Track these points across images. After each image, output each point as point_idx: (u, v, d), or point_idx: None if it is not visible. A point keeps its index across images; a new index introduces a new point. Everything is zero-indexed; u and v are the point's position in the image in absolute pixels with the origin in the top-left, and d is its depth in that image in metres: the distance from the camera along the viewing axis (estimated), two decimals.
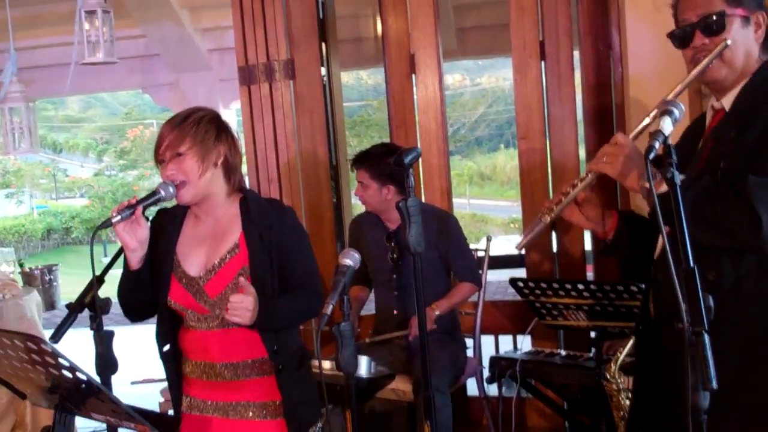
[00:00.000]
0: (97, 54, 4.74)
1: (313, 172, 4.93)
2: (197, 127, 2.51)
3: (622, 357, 3.14)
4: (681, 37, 2.21)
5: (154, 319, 2.65)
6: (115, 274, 2.47)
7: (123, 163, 32.72)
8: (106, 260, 2.52)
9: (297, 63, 4.87)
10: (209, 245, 2.58)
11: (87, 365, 2.01)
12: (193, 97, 8.71)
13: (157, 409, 4.55)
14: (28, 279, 12.58)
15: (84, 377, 1.94)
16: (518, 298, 3.55)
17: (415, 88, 4.75)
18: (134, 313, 2.66)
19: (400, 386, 3.81)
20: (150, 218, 2.56)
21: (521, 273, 4.50)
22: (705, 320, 1.66)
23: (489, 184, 33.81)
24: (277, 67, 4.82)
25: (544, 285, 3.37)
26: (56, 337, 2.29)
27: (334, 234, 4.96)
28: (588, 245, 4.52)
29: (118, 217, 2.39)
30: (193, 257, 2.59)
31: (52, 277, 13.51)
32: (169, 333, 2.64)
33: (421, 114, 4.73)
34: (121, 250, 2.51)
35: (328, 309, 2.22)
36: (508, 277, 3.53)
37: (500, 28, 6.18)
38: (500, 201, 30.82)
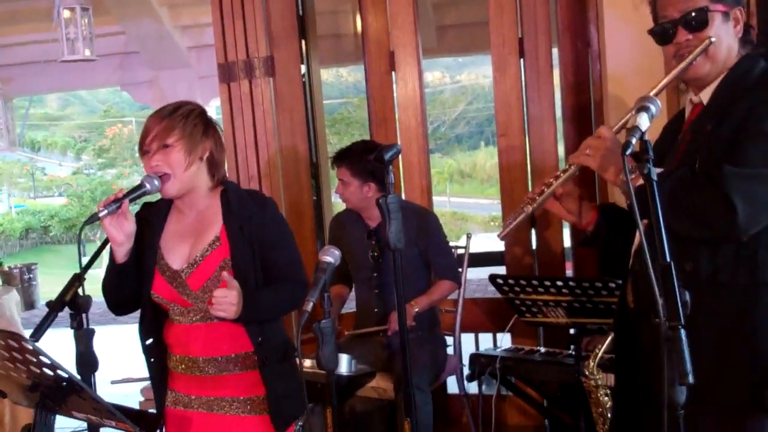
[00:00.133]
0: (76, 51, 4.71)
1: (294, 169, 4.92)
2: (186, 120, 2.52)
3: (600, 353, 3.16)
4: (663, 34, 2.22)
5: (134, 318, 2.64)
6: (94, 274, 2.46)
7: (102, 162, 32.40)
8: (86, 260, 2.51)
9: (277, 60, 4.86)
10: (192, 238, 2.59)
11: (67, 364, 2.00)
12: (172, 95, 8.61)
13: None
14: (7, 278, 12.46)
15: (65, 375, 1.94)
16: (498, 296, 3.55)
17: (395, 86, 4.75)
18: (120, 308, 2.66)
19: (381, 384, 3.81)
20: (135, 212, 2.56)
21: (501, 270, 4.52)
22: (681, 315, 1.67)
23: (469, 181, 33.76)
24: (256, 64, 4.81)
25: (523, 282, 3.37)
26: (37, 335, 2.27)
27: (314, 232, 4.96)
28: (567, 242, 4.54)
29: (105, 211, 2.39)
30: (177, 251, 2.59)
31: (31, 276, 13.40)
32: (153, 327, 2.64)
33: (401, 111, 4.74)
34: (101, 248, 2.50)
35: (309, 306, 2.22)
36: (488, 275, 3.53)
37: (479, 25, 6.18)
38: (480, 199, 30.79)
